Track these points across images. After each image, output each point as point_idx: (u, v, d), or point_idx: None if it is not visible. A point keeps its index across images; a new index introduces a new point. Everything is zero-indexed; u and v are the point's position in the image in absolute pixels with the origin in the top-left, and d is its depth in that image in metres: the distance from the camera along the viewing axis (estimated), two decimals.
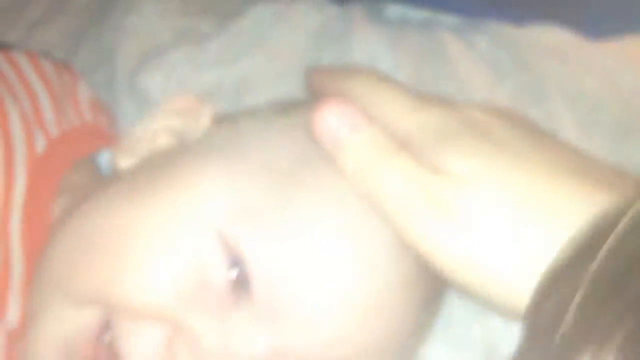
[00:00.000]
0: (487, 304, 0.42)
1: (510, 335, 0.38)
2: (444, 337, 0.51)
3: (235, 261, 0.40)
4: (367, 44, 0.69)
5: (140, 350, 0.39)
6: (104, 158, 0.52)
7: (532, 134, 0.42)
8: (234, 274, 0.40)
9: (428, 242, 0.39)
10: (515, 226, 0.37)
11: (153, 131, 0.48)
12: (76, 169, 0.50)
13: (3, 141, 0.45)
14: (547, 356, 0.28)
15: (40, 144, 0.47)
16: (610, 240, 0.30)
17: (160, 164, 0.46)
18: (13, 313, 0.42)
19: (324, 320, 0.41)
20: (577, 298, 0.26)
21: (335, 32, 0.72)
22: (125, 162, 0.47)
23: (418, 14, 0.73)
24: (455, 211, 0.38)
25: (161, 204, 0.43)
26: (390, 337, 0.43)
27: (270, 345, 0.40)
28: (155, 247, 0.41)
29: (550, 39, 0.64)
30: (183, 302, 0.40)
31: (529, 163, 0.39)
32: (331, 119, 0.41)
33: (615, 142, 0.57)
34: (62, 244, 0.43)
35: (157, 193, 0.43)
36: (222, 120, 0.50)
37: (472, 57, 0.63)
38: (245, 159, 0.45)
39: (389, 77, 0.46)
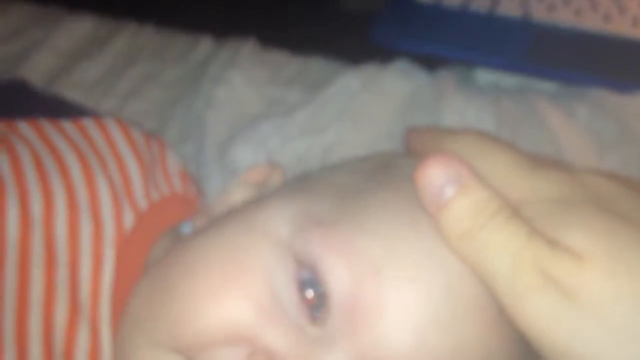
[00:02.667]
0: None
1: None
2: None
3: (311, 278, 0.38)
4: (459, 111, 0.68)
5: None
6: (189, 228, 0.51)
7: None
8: (310, 292, 0.38)
9: (535, 320, 0.35)
10: (632, 311, 0.33)
11: (228, 198, 0.48)
12: (163, 240, 0.49)
13: (93, 221, 0.44)
14: None
15: (129, 219, 0.46)
16: None
17: (231, 212, 0.45)
18: None
19: (406, 331, 0.37)
20: None
21: (425, 99, 0.70)
22: (201, 222, 0.47)
23: (511, 80, 0.71)
24: (572, 292, 0.34)
25: (229, 229, 0.41)
26: None
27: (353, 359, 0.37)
28: (225, 268, 0.39)
29: None
30: (259, 321, 0.38)
31: None
32: (436, 174, 0.37)
33: None
34: (141, 296, 0.42)
35: (225, 224, 0.42)
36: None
37: (573, 127, 0.59)
38: (311, 183, 0.43)
39: (497, 138, 0.42)
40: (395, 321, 0.37)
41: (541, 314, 0.35)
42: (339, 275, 0.37)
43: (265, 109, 0.67)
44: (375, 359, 0.37)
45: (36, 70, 0.68)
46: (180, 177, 0.53)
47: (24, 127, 0.48)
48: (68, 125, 0.50)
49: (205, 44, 0.75)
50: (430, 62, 0.72)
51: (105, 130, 0.50)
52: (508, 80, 0.71)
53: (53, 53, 0.70)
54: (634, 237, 0.35)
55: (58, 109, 0.52)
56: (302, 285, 0.38)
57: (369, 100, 0.70)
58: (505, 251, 0.36)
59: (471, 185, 0.37)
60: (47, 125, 0.49)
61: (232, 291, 0.38)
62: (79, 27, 0.74)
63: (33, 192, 0.43)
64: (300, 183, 0.46)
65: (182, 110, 0.67)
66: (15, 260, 0.41)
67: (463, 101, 0.68)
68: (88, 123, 0.50)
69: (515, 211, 0.36)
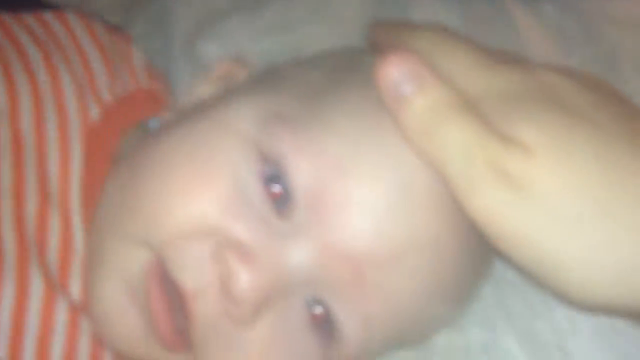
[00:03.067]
0: (539, 283, 0.39)
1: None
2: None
3: (277, 173, 0.40)
4: (428, 9, 0.67)
5: (192, 264, 0.39)
6: (156, 123, 0.52)
7: (612, 101, 0.39)
8: (277, 187, 0.40)
9: (487, 212, 0.36)
10: (590, 210, 0.35)
11: (195, 93, 0.49)
12: (131, 135, 0.50)
13: (57, 114, 0.45)
14: None
15: (94, 112, 0.47)
16: None
17: (199, 107, 0.46)
18: (75, 285, 0.43)
19: (367, 222, 0.39)
20: None
21: None
22: (168, 117, 0.48)
23: None
24: (522, 185, 0.35)
25: (195, 126, 0.42)
26: (431, 256, 0.41)
27: (317, 250, 0.39)
28: (193, 164, 0.40)
29: (621, 8, 0.60)
30: (226, 213, 0.39)
31: (609, 136, 0.36)
32: (396, 73, 0.38)
33: None
34: (114, 190, 0.44)
35: (193, 120, 0.43)
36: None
37: (539, 26, 0.60)
38: (278, 79, 0.44)
39: (458, 34, 0.43)
40: (356, 214, 0.39)
41: (493, 205, 0.36)
42: (304, 172, 0.39)
43: (233, 5, 0.66)
44: (339, 249, 0.39)
45: None
46: (146, 72, 0.53)
47: None
48: (30, 19, 0.49)
49: None
50: None
51: (68, 24, 0.50)
52: None
53: None
54: (581, 131, 0.36)
55: (19, 1, 0.51)
56: (268, 180, 0.40)
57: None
58: (460, 146, 0.37)
59: (429, 83, 0.38)
60: (8, 19, 0.48)
61: (200, 187, 0.40)
62: None
63: None
64: (267, 79, 0.46)
65: (148, 5, 0.66)
66: None
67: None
68: (50, 17, 0.50)
69: (471, 107, 0.38)
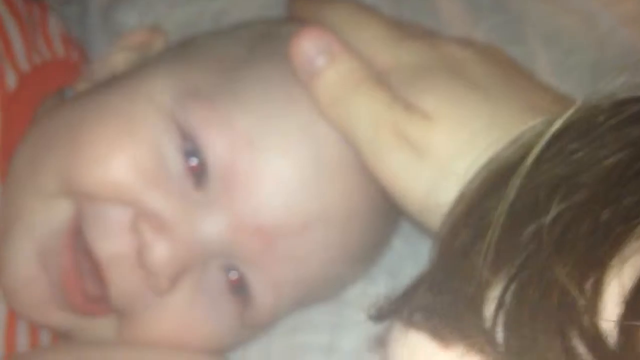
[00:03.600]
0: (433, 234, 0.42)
1: None
2: None
3: (192, 146, 0.41)
4: None
5: (107, 232, 0.40)
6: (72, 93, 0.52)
7: (506, 71, 0.42)
8: (193, 160, 0.41)
9: (390, 174, 0.40)
10: (477, 164, 0.37)
11: (110, 63, 0.49)
12: (48, 103, 0.50)
13: None
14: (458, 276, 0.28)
15: (11, 80, 0.46)
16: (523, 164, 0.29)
17: (115, 77, 0.47)
18: None
19: (276, 195, 0.41)
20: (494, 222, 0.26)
21: None
22: (83, 86, 0.48)
23: None
24: (424, 151, 0.39)
25: (115, 95, 0.44)
26: (335, 222, 0.43)
27: (229, 221, 0.41)
28: (112, 132, 0.41)
29: None
30: (145, 184, 0.41)
31: (497, 100, 0.39)
32: (308, 46, 0.41)
33: (591, 82, 0.57)
34: (26, 148, 0.44)
35: (111, 89, 0.44)
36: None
37: None
38: (195, 51, 0.46)
39: (370, 8, 0.46)
40: (267, 186, 0.41)
41: (398, 170, 0.39)
42: (216, 147, 0.41)
43: None
44: (249, 221, 0.41)
45: None
46: (62, 41, 0.53)
47: None
48: None
49: None
50: None
51: None
52: None
53: None
54: (477, 101, 0.39)
55: None
56: (187, 154, 0.41)
57: None
58: (368, 115, 0.40)
59: (340, 56, 0.41)
60: None
61: (118, 155, 0.41)
62: None
63: None
64: (184, 51, 0.47)
65: None
66: None
67: None
68: None
69: (379, 79, 0.40)
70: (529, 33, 0.59)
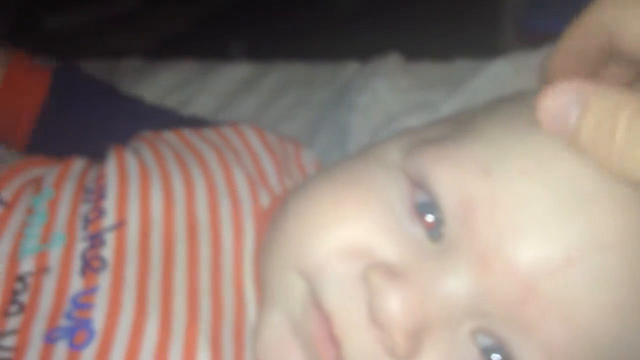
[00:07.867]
0: None
1: None
2: None
3: (425, 197, 0.37)
4: None
5: (338, 285, 0.37)
6: None
7: None
8: (430, 217, 0.37)
9: None
10: None
11: None
12: None
13: (231, 200, 0.47)
14: None
15: (265, 199, 0.48)
16: None
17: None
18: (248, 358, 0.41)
19: (525, 223, 0.34)
20: None
21: None
22: None
23: None
24: None
25: (350, 163, 0.42)
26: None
27: (475, 265, 0.35)
28: (345, 194, 0.39)
29: None
30: (379, 236, 0.37)
31: None
32: (554, 104, 0.35)
33: None
34: (270, 229, 0.43)
35: (347, 160, 0.44)
36: None
37: None
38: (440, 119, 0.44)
39: None
40: (511, 212, 0.35)
41: None
42: (448, 182, 0.36)
43: (407, 110, 0.67)
44: (498, 261, 0.34)
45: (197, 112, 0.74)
46: (315, 168, 0.54)
47: (168, 134, 0.53)
48: (207, 131, 0.53)
49: (351, 67, 0.76)
50: None
51: (241, 132, 0.54)
52: None
53: (211, 96, 0.75)
54: None
55: (199, 123, 0.56)
56: (420, 208, 0.37)
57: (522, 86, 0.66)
58: None
59: (594, 96, 0.34)
60: (187, 132, 0.53)
61: (348, 211, 0.39)
62: (233, 72, 0.79)
63: (175, 179, 0.47)
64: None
65: (328, 124, 0.68)
66: (159, 235, 0.44)
67: None
68: (225, 128, 0.54)
69: None
70: None
